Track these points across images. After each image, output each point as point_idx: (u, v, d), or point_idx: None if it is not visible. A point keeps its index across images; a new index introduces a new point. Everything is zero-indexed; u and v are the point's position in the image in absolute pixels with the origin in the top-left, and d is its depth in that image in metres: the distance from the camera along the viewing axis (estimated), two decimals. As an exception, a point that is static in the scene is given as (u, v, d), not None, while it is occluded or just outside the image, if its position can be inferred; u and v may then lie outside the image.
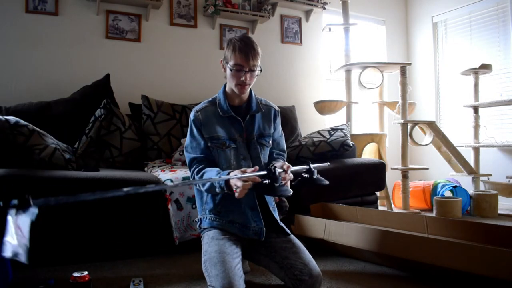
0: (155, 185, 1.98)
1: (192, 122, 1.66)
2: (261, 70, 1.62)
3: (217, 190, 1.50)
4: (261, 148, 1.70)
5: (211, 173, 1.54)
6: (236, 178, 1.37)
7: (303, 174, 1.59)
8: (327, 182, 1.60)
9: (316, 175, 1.58)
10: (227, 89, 1.70)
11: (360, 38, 4.27)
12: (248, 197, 1.60)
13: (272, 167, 1.38)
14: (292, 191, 1.41)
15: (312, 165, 1.58)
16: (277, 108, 1.82)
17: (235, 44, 1.57)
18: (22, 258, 0.91)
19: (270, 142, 1.75)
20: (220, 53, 3.59)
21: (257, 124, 1.71)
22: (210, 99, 1.73)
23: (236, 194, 1.39)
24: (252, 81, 1.62)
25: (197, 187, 1.66)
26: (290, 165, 1.51)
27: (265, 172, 1.38)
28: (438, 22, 4.38)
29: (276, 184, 1.37)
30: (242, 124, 1.67)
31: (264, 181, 1.37)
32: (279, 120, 1.81)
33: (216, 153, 1.63)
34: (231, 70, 1.58)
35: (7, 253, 0.88)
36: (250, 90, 1.71)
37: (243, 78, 1.58)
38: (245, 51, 1.55)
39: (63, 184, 1.93)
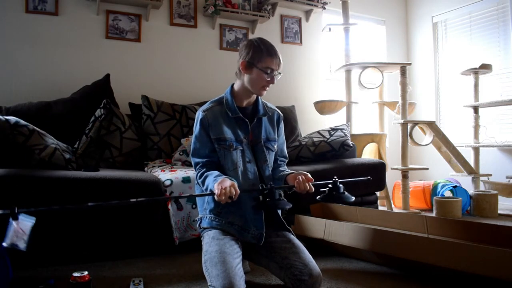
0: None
1: (199, 121, 1.65)
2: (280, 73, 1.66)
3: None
4: (267, 152, 1.70)
5: (210, 177, 1.54)
6: (220, 186, 1.42)
7: (326, 189, 1.58)
8: (353, 199, 1.60)
9: (342, 191, 1.56)
10: (236, 89, 1.69)
11: (360, 38, 4.27)
12: (251, 201, 1.60)
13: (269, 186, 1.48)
14: (290, 205, 1.51)
15: (338, 180, 1.55)
16: (281, 113, 1.82)
17: (265, 46, 1.61)
18: (21, 247, 1.00)
19: (275, 146, 1.75)
20: (220, 53, 3.60)
21: (264, 128, 1.72)
22: (216, 98, 1.72)
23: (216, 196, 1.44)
24: None
25: (201, 187, 1.66)
26: (311, 178, 1.54)
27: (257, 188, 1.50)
28: (438, 22, 4.38)
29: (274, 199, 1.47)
30: (248, 126, 1.67)
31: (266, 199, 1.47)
32: (282, 125, 1.81)
33: (223, 155, 1.63)
34: (265, 72, 1.59)
35: (6, 243, 0.97)
36: None
37: (269, 80, 1.61)
38: (276, 55, 1.61)
39: (63, 184, 1.92)
